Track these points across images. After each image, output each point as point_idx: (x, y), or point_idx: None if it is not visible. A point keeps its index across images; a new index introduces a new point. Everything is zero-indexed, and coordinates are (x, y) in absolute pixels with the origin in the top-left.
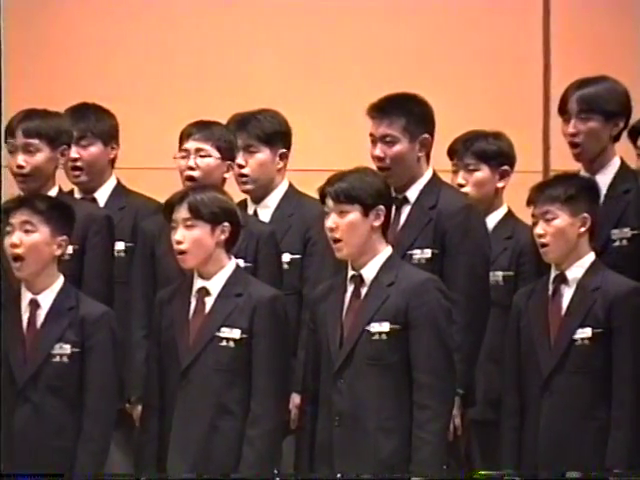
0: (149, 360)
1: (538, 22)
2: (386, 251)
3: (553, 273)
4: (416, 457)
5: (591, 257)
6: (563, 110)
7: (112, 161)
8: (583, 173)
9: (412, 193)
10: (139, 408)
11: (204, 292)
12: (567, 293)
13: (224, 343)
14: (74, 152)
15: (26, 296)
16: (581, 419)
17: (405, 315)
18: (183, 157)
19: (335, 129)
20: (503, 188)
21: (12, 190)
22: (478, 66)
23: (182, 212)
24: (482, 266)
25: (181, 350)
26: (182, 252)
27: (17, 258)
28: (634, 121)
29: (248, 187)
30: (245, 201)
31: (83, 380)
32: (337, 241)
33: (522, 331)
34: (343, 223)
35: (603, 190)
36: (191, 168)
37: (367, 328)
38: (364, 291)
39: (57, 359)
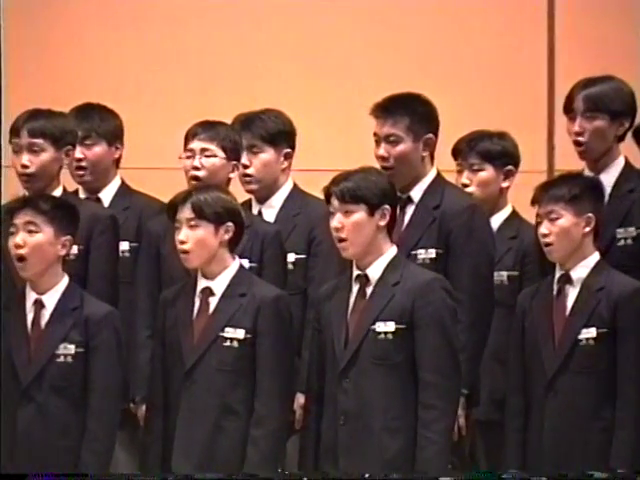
0: (153, 360)
1: (543, 23)
2: (391, 251)
3: (558, 273)
4: (421, 456)
5: (596, 257)
6: (569, 109)
7: (116, 161)
8: (587, 172)
9: (416, 193)
10: (143, 408)
11: (208, 292)
12: (572, 293)
13: (228, 343)
14: (78, 152)
15: (30, 296)
16: (586, 419)
17: (411, 315)
18: (188, 157)
19: (339, 129)
20: (507, 188)
21: (14, 190)
22: (483, 66)
23: (186, 212)
24: (486, 266)
25: (185, 350)
26: (185, 252)
27: (21, 258)
28: (638, 122)
29: (252, 187)
30: (250, 201)
31: (87, 380)
32: (342, 241)
33: (526, 331)
34: (349, 223)
35: (608, 189)
36: (196, 168)
37: (373, 327)
38: (369, 291)
39: (61, 359)
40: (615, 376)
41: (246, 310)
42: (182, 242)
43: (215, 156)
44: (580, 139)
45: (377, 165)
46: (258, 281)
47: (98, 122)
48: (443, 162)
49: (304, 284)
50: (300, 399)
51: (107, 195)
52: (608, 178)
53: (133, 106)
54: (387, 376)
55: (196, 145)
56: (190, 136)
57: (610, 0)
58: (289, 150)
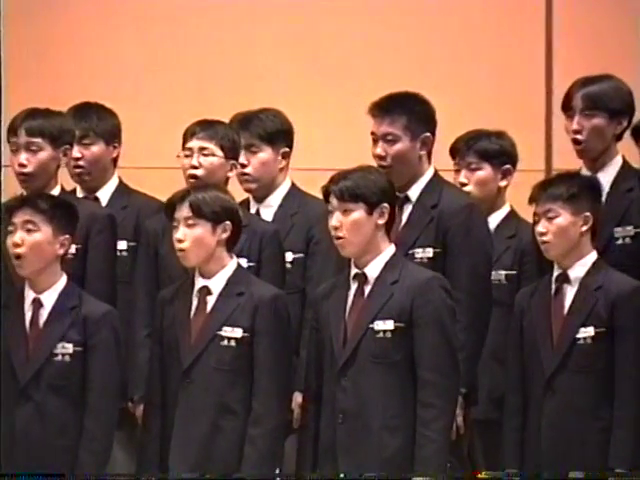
0: (151, 359)
1: (540, 21)
2: (390, 249)
3: (555, 272)
4: (420, 455)
5: (593, 256)
6: (567, 107)
7: (114, 160)
8: (585, 171)
9: (413, 192)
10: (142, 407)
11: (205, 291)
12: (570, 292)
13: (226, 342)
14: (76, 151)
15: (29, 295)
16: (584, 418)
17: (410, 313)
18: (186, 156)
19: (338, 128)
20: (506, 187)
21: (14, 189)
22: (481, 65)
23: (184, 211)
24: (484, 265)
25: (183, 349)
26: (183, 250)
27: (19, 257)
28: (637, 120)
29: (250, 186)
30: (247, 200)
31: (85, 379)
32: (341, 239)
33: (525, 330)
34: (347, 221)
35: (605, 188)
36: (194, 167)
37: (371, 326)
38: (368, 289)
39: (59, 358)
40: (613, 375)
41: (244, 309)
42: (180, 240)
43: (213, 155)
44: (578, 137)
45: (375, 164)
46: (256, 280)
47: (96, 121)
48: (441, 161)
49: (302, 283)
50: (298, 398)
51: (105, 194)
52: (606, 177)
53: (131, 105)
54: (386, 375)
55: (194, 144)
56: (188, 135)
57: (608, 0)
58: (287, 149)
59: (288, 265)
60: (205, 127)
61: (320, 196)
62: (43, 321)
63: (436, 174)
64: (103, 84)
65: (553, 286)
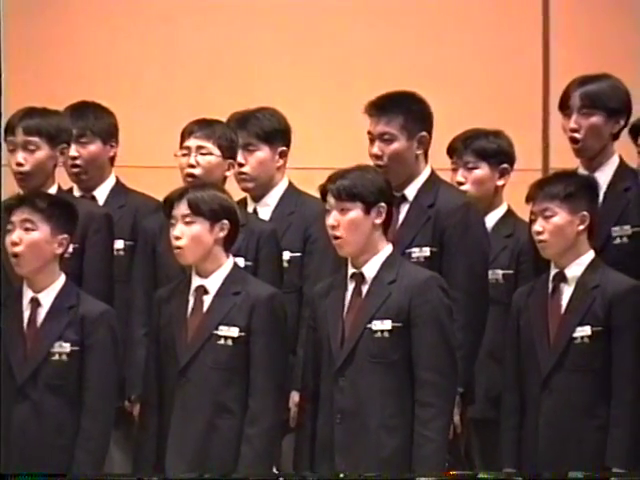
0: (147, 358)
1: (537, 20)
2: (387, 249)
3: (552, 271)
4: (419, 455)
5: (590, 255)
6: (565, 106)
7: (111, 159)
8: (582, 171)
9: (410, 191)
10: (139, 406)
11: (202, 290)
12: (567, 291)
13: (222, 341)
14: (73, 150)
15: (27, 294)
16: (581, 417)
17: (407, 313)
18: (184, 155)
19: (335, 127)
20: (503, 186)
21: (14, 189)
22: (478, 64)
23: (182, 208)
24: (481, 264)
25: (179, 348)
26: (180, 247)
27: (16, 256)
28: (635, 119)
29: (248, 185)
30: (245, 199)
31: (83, 379)
32: (338, 239)
33: (522, 330)
34: (344, 221)
35: (603, 188)
36: (192, 165)
37: (369, 326)
38: (365, 289)
39: (57, 357)
40: (610, 374)
41: (240, 308)
42: (177, 238)
43: (211, 154)
44: (576, 136)
45: (372, 163)
46: (252, 279)
47: (93, 120)
48: (439, 160)
49: (299, 282)
50: (295, 397)
51: (102, 193)
52: (603, 176)
53: (128, 104)
54: (384, 374)
55: (192, 143)
56: (186, 134)
57: None
58: (284, 148)
59: (285, 264)
60: (203, 126)
61: (317, 195)
62: (41, 320)
63: (433, 173)
64: (100, 83)
65: (550, 285)
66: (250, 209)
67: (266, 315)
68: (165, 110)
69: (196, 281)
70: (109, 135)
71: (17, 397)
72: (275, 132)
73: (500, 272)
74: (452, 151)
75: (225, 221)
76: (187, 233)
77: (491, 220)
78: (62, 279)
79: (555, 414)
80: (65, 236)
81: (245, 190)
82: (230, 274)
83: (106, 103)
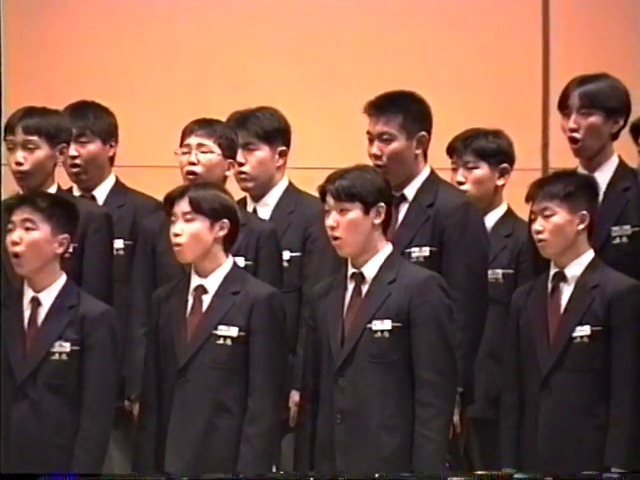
0: (146, 358)
1: (537, 20)
2: (387, 249)
3: (552, 271)
4: (419, 454)
5: (590, 255)
6: (564, 105)
7: (111, 159)
8: (581, 170)
9: (410, 191)
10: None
11: (201, 290)
12: (566, 291)
13: (221, 341)
14: (73, 150)
15: (28, 294)
16: (580, 417)
17: (407, 313)
18: (184, 153)
19: (335, 127)
20: (503, 186)
21: (14, 188)
22: (478, 64)
23: (182, 205)
24: (480, 264)
25: (178, 348)
26: (179, 245)
27: (17, 255)
28: (635, 119)
29: (248, 185)
30: (244, 199)
31: (82, 378)
32: (338, 239)
33: (521, 329)
34: (344, 221)
35: (602, 188)
36: (192, 163)
37: (369, 326)
38: (365, 289)
39: (56, 357)
40: (609, 374)
41: (240, 308)
42: (176, 235)
43: (212, 152)
44: (575, 135)
45: (371, 163)
46: (251, 279)
47: (92, 120)
48: (438, 160)
49: (299, 282)
50: (295, 396)
51: (101, 193)
52: (603, 176)
53: (128, 104)
54: (384, 374)
55: (193, 141)
56: (187, 132)
57: None
58: (284, 148)
59: (285, 264)
60: (203, 125)
61: (317, 195)
62: (41, 320)
63: (432, 173)
64: (100, 83)
65: (550, 285)
66: (250, 209)
67: (265, 315)
68: (165, 110)
69: (195, 280)
70: (109, 135)
71: (16, 396)
72: (275, 132)
73: (500, 272)
74: (452, 151)
75: (225, 220)
76: (187, 230)
77: (491, 220)
78: (63, 279)
79: (554, 414)
80: (65, 236)
81: (245, 190)
82: (229, 274)
83: (106, 103)
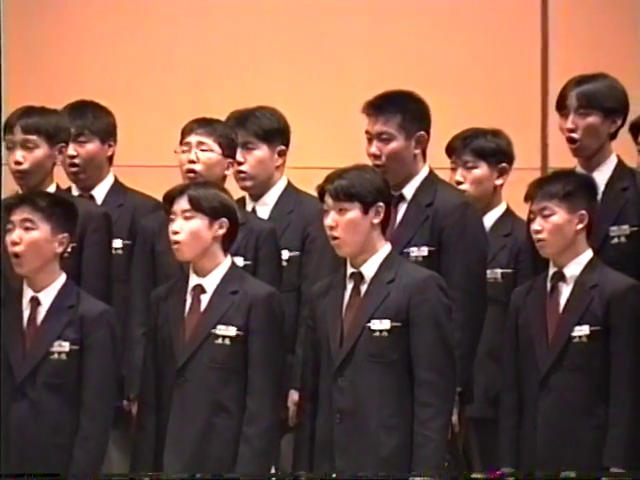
0: (145, 357)
1: (536, 20)
2: (385, 248)
3: (551, 270)
4: (418, 454)
5: (589, 254)
6: (562, 106)
7: (110, 158)
8: (579, 170)
9: (408, 191)
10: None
11: (200, 289)
12: (565, 290)
13: (220, 341)
14: (71, 149)
15: (27, 293)
16: (579, 417)
17: (406, 312)
18: (184, 151)
19: (334, 127)
20: (502, 185)
21: (11, 188)
22: (477, 64)
23: (182, 203)
24: (479, 263)
25: (177, 347)
26: (178, 242)
27: (16, 255)
28: (635, 117)
29: (246, 184)
30: (243, 199)
31: (81, 378)
32: (337, 239)
33: (520, 329)
34: (343, 221)
35: (601, 187)
36: (192, 161)
37: (368, 325)
38: (364, 288)
39: (56, 356)
40: (608, 374)
41: (238, 307)
42: (175, 232)
43: (211, 150)
44: (573, 136)
45: (370, 163)
46: (250, 278)
47: (91, 119)
48: (437, 160)
49: (298, 281)
50: (294, 396)
51: (100, 192)
52: (601, 176)
53: (127, 103)
54: (383, 374)
55: (193, 139)
56: (187, 131)
57: None
58: (283, 147)
59: (284, 263)
60: (204, 124)
61: (316, 194)
62: (41, 319)
63: (431, 173)
64: (99, 82)
65: (548, 284)
66: (249, 208)
67: (264, 314)
68: (164, 109)
69: (194, 280)
70: (107, 134)
71: (16, 396)
72: (274, 131)
73: (499, 271)
74: (451, 151)
75: (224, 219)
76: (186, 228)
77: (490, 219)
78: (62, 278)
79: (553, 413)
80: (65, 235)
81: (244, 189)
82: (228, 273)
83: (104, 102)
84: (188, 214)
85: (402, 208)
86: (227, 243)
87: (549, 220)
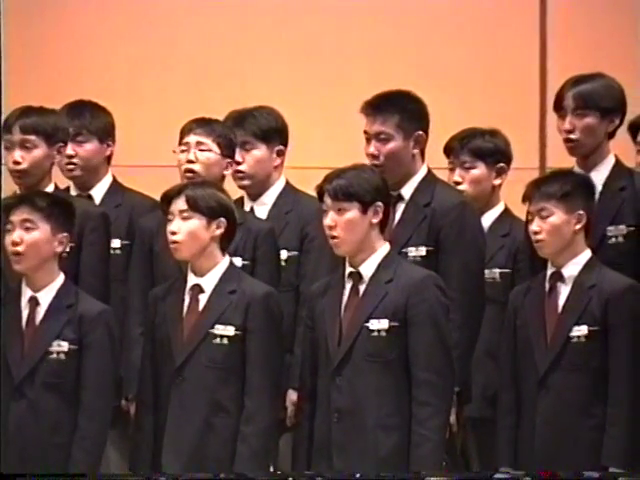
0: (143, 357)
1: (535, 19)
2: (384, 248)
3: (549, 270)
4: (416, 454)
5: (587, 254)
6: (559, 107)
7: (108, 158)
8: (577, 169)
9: (407, 190)
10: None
11: (198, 289)
12: (563, 291)
13: (218, 340)
14: (70, 149)
15: (26, 293)
16: (577, 417)
17: (404, 312)
18: (183, 151)
19: (333, 127)
20: (500, 185)
21: (13, 187)
22: (474, 64)
23: (179, 204)
24: (477, 263)
25: (175, 347)
26: (176, 242)
27: (17, 254)
28: (634, 117)
29: (245, 183)
30: (242, 199)
31: (80, 377)
32: (336, 239)
33: (518, 329)
34: (342, 221)
35: (598, 187)
36: (191, 161)
37: (366, 325)
38: (362, 288)
39: (54, 356)
40: (607, 374)
41: (236, 307)
42: (173, 233)
43: (210, 150)
44: (571, 136)
45: (369, 163)
46: (248, 278)
47: (89, 119)
48: (436, 160)
49: (296, 281)
50: (292, 396)
51: (98, 192)
52: (599, 176)
53: (125, 103)
54: (381, 373)
55: (192, 139)
56: (186, 131)
57: None
58: (282, 147)
59: (282, 263)
60: (202, 124)
61: (314, 194)
62: (39, 319)
63: (429, 172)
64: (98, 82)
65: (547, 284)
66: (247, 208)
67: (262, 314)
68: (162, 109)
69: (192, 280)
70: (105, 134)
71: (14, 395)
72: (272, 131)
73: (497, 271)
74: (449, 151)
75: (222, 219)
76: (184, 228)
77: (488, 219)
78: (61, 278)
79: (552, 413)
80: (65, 235)
81: (242, 188)
82: (226, 272)
83: (103, 102)
84: (186, 214)
85: (400, 208)
86: (225, 243)
87: (547, 221)
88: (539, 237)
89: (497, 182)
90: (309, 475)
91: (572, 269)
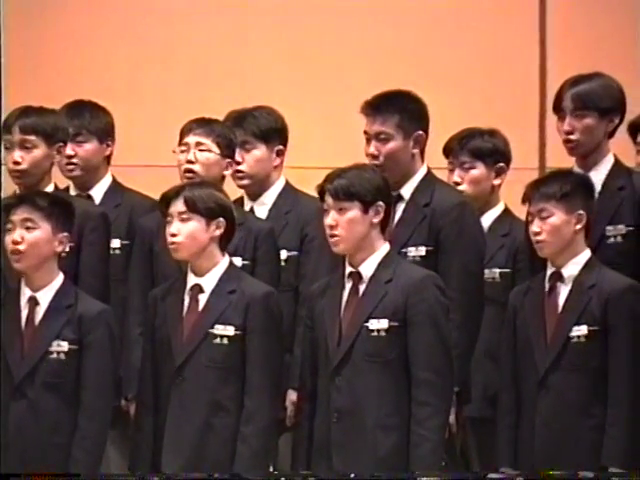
0: (143, 357)
1: (534, 19)
2: (384, 248)
3: (549, 270)
4: (415, 454)
5: (587, 254)
6: (558, 108)
7: (107, 158)
8: (576, 169)
9: (406, 190)
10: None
11: (197, 289)
12: (563, 291)
13: (218, 340)
14: (69, 149)
15: (25, 293)
16: (577, 417)
17: (404, 312)
18: (182, 151)
19: (333, 127)
20: (499, 185)
21: (12, 188)
22: (474, 64)
23: (178, 205)
24: (476, 263)
25: (175, 347)
26: (175, 244)
27: (18, 254)
28: (634, 117)
29: (244, 183)
30: (241, 198)
31: (80, 377)
32: (336, 237)
33: (518, 329)
34: (343, 220)
35: (597, 187)
36: (190, 162)
37: (366, 325)
38: (362, 288)
39: (54, 356)
40: (606, 374)
41: (236, 307)
42: (173, 235)
43: (210, 151)
44: (570, 137)
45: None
46: (248, 278)
47: (89, 119)
48: (435, 160)
49: (296, 281)
50: (292, 396)
51: (98, 192)
52: (598, 175)
53: (125, 103)
54: (380, 373)
55: (191, 139)
56: (185, 131)
57: None
58: (281, 147)
59: (282, 263)
60: (202, 124)
61: (314, 194)
62: (39, 319)
63: (429, 172)
64: (98, 82)
65: (547, 284)
66: (247, 208)
67: (261, 313)
68: (162, 109)
69: (191, 280)
70: (105, 134)
71: (14, 395)
72: (272, 131)
73: (497, 271)
74: (448, 151)
75: (221, 219)
76: (183, 230)
77: (488, 219)
78: (60, 278)
79: (552, 413)
80: (65, 234)
81: (242, 188)
82: (225, 273)
83: (102, 102)
84: (184, 216)
85: (400, 208)
86: (224, 243)
87: (547, 222)
88: (540, 238)
89: (497, 182)
90: (303, 475)
91: (572, 269)
